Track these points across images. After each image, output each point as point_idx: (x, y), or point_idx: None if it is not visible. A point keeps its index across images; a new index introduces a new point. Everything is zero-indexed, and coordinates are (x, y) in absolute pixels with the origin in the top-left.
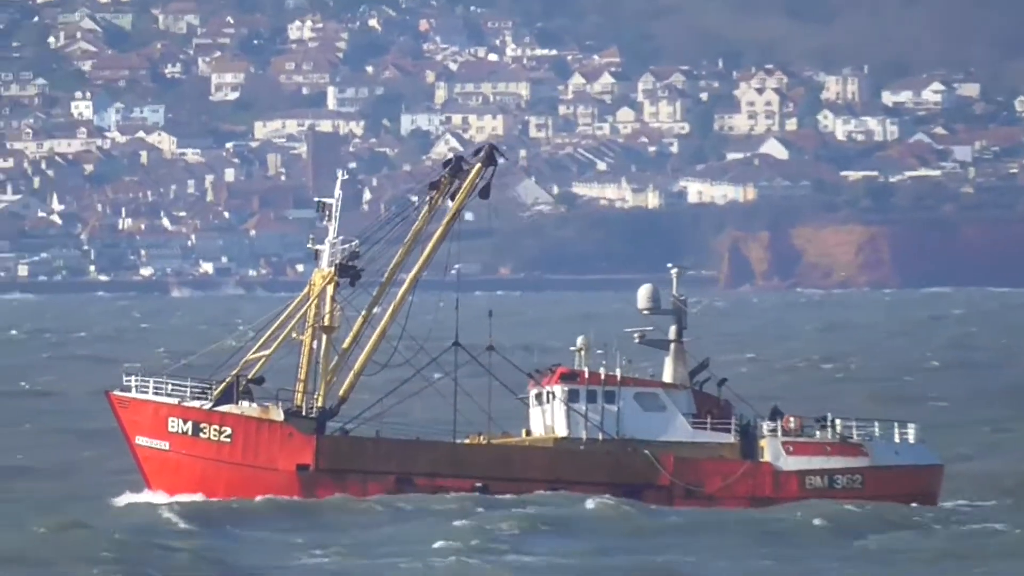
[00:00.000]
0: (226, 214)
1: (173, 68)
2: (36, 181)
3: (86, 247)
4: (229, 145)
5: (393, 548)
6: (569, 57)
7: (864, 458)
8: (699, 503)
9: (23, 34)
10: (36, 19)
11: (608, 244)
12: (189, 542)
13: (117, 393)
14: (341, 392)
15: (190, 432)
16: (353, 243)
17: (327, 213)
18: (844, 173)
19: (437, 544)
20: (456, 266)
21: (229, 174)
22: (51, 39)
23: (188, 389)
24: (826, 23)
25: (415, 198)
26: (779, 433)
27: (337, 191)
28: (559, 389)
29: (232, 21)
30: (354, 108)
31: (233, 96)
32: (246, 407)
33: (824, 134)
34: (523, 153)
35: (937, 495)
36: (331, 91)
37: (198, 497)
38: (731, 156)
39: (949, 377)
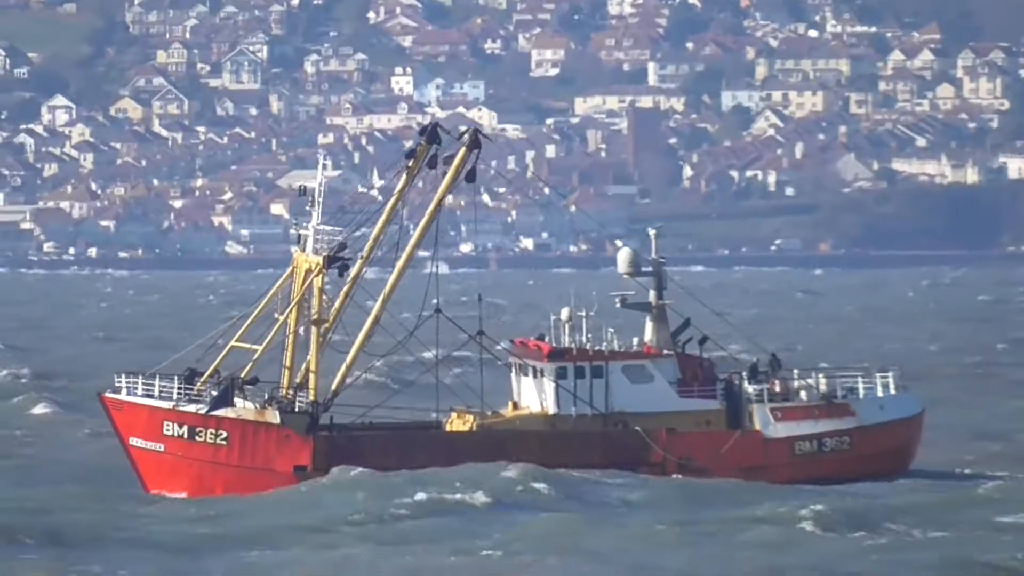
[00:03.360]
0: (546, 190)
1: (493, 44)
2: (356, 156)
3: (406, 222)
4: (549, 121)
5: None
6: (889, 34)
7: (852, 418)
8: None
9: (342, 9)
10: None
11: (927, 220)
12: None
13: (110, 395)
14: (333, 386)
15: (186, 436)
16: (340, 230)
17: (311, 198)
18: None
19: None
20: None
21: (550, 150)
22: (371, 14)
23: (176, 391)
24: None
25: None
26: (766, 398)
27: (319, 175)
28: (548, 367)
29: None
30: (675, 84)
31: (553, 72)
32: (242, 408)
33: None
34: (843, 129)
35: (918, 442)
36: (651, 67)
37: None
38: None
39: None
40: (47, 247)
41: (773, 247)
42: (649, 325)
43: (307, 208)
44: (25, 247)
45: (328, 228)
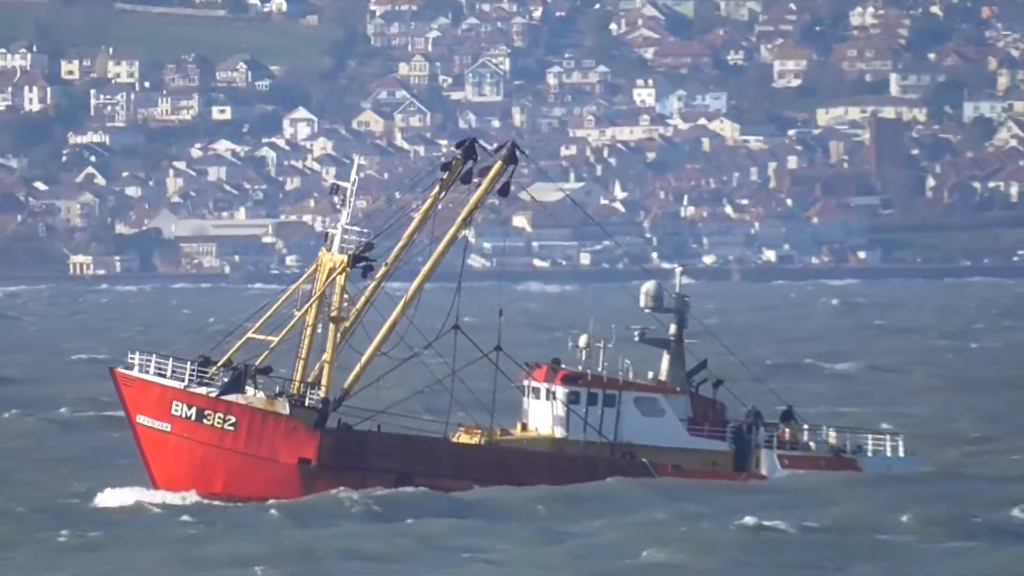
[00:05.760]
0: (788, 201)
1: (735, 55)
2: (599, 169)
3: (648, 235)
4: (791, 132)
5: None
6: None
7: (857, 473)
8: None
9: (585, 21)
10: (597, 6)
11: None
12: None
13: (122, 371)
14: (346, 385)
15: (194, 417)
16: (367, 231)
17: (343, 197)
18: None
19: None
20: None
21: (792, 161)
22: (613, 26)
23: (188, 373)
24: None
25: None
26: (775, 445)
27: (353, 175)
28: (560, 390)
29: (794, 8)
30: (916, 95)
31: (796, 83)
32: (252, 397)
33: None
34: None
35: None
36: (893, 78)
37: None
38: None
39: None
40: (289, 261)
41: (1015, 258)
42: (665, 361)
43: (337, 207)
44: (267, 261)
45: (356, 228)
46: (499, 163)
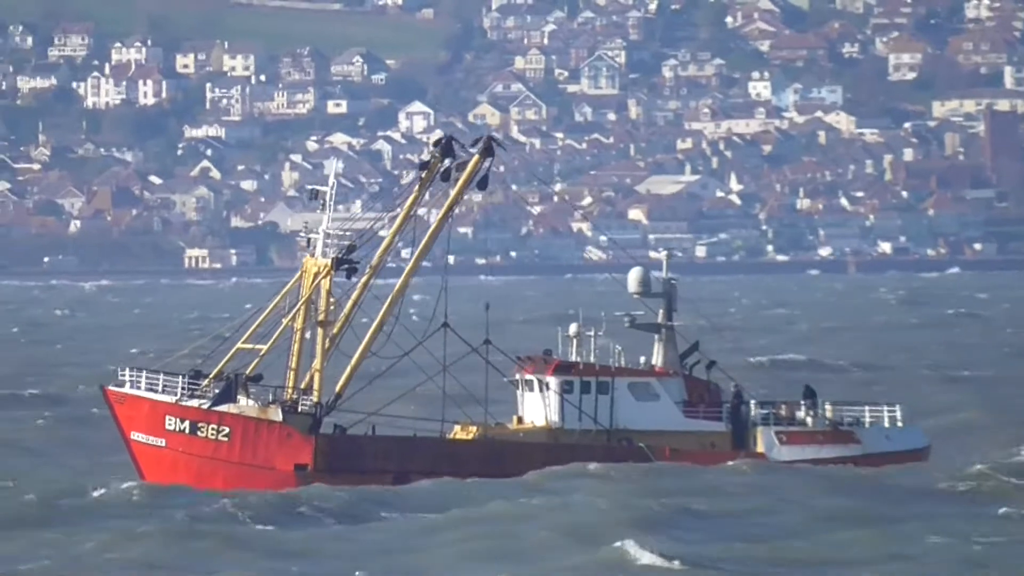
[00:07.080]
0: (904, 193)
1: (851, 48)
2: (714, 161)
3: (764, 227)
4: (907, 125)
5: None
6: None
7: (856, 446)
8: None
9: (701, 14)
10: None
11: None
12: None
13: (113, 388)
14: (337, 388)
15: (187, 431)
16: (348, 234)
17: (322, 201)
18: None
19: None
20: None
21: (907, 154)
22: (728, 19)
23: (180, 387)
24: None
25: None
26: (772, 422)
27: (332, 179)
28: (553, 380)
29: (909, 1)
30: None
31: (911, 76)
32: (244, 406)
33: None
34: None
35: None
36: (1008, 70)
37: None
38: None
39: None
40: (404, 254)
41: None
42: (657, 346)
43: (318, 211)
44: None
45: (337, 232)
46: (476, 157)
